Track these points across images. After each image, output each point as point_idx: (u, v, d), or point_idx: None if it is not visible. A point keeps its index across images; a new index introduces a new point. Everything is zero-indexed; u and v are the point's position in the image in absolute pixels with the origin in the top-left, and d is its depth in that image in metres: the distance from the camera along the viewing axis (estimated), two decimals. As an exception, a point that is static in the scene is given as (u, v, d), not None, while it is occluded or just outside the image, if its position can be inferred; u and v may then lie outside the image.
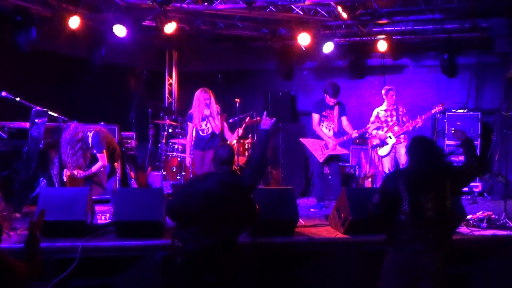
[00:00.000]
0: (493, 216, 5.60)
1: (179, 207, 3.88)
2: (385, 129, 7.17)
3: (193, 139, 6.69)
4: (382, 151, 7.17)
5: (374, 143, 7.24)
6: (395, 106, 7.27)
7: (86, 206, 4.80)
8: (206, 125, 6.57)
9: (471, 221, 5.50)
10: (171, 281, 4.02)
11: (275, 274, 4.93)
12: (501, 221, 5.55)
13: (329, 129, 6.91)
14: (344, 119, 6.96)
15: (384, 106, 7.33)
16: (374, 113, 7.37)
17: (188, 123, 6.72)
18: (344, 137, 6.89)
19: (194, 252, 3.79)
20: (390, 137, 7.11)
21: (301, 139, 7.15)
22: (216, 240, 3.80)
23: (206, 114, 6.50)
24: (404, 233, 3.51)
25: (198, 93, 6.60)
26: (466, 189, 8.20)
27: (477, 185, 8.31)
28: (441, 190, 3.54)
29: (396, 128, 7.13)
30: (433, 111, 7.04)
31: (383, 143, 7.15)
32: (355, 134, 6.86)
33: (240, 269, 4.06)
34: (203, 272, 3.81)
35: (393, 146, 7.11)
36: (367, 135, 7.60)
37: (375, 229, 3.95)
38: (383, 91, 7.38)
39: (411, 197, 3.45)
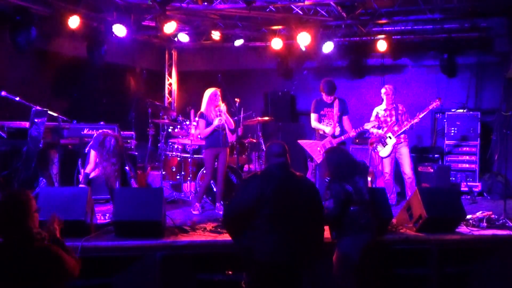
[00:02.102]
0: (493, 216, 5.60)
1: (245, 212, 3.64)
2: (385, 129, 7.16)
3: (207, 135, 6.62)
4: (383, 152, 7.16)
5: (375, 144, 7.24)
6: (394, 105, 7.24)
7: (86, 205, 4.79)
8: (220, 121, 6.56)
9: (470, 221, 5.50)
10: None
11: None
12: (501, 221, 5.54)
13: (330, 126, 6.86)
14: (345, 118, 6.91)
15: (383, 106, 7.31)
16: (374, 113, 7.35)
17: (201, 119, 6.61)
18: (342, 137, 6.84)
19: (271, 266, 3.62)
20: (390, 137, 7.10)
21: (299, 141, 7.12)
22: (295, 251, 3.66)
23: (222, 110, 6.57)
24: (361, 218, 4.12)
25: (213, 91, 6.62)
26: (465, 188, 8.23)
27: (476, 185, 8.32)
28: (364, 174, 4.48)
29: (395, 128, 7.12)
30: (430, 107, 6.97)
31: (383, 143, 7.15)
32: (352, 133, 6.82)
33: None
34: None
35: (393, 146, 7.10)
36: (366, 134, 7.58)
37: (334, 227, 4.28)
38: (382, 90, 7.36)
39: (354, 188, 4.15)
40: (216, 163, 6.69)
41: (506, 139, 8.10)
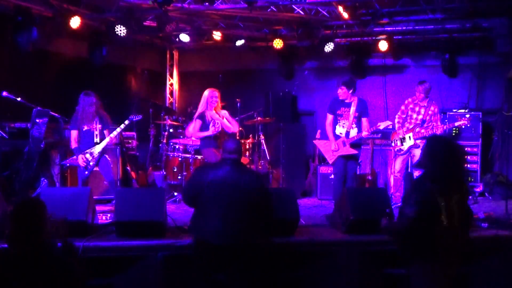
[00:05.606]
0: (494, 216, 5.59)
1: (193, 194, 4.13)
2: (407, 125, 6.91)
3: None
4: (398, 148, 6.92)
5: (395, 139, 6.98)
6: (425, 104, 6.86)
7: (87, 205, 4.80)
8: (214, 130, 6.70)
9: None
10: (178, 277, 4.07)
11: (276, 274, 4.93)
12: (502, 221, 5.54)
13: (344, 128, 6.57)
14: (364, 120, 6.55)
15: (415, 97, 6.96)
16: (406, 102, 7.03)
17: (198, 120, 6.75)
18: (355, 136, 6.54)
19: (213, 247, 3.93)
20: (409, 137, 6.82)
21: (314, 141, 7.06)
22: (236, 235, 3.99)
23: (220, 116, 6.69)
24: (443, 243, 3.23)
25: (211, 92, 6.74)
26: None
27: (478, 185, 8.31)
28: (463, 190, 3.39)
29: (417, 129, 6.79)
30: (456, 124, 6.77)
31: (402, 142, 6.87)
32: (365, 133, 6.47)
33: (253, 269, 4.13)
34: (216, 270, 3.97)
35: (409, 147, 6.85)
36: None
37: (401, 247, 3.53)
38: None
39: (446, 202, 3.18)
40: None
41: (507, 139, 8.09)
